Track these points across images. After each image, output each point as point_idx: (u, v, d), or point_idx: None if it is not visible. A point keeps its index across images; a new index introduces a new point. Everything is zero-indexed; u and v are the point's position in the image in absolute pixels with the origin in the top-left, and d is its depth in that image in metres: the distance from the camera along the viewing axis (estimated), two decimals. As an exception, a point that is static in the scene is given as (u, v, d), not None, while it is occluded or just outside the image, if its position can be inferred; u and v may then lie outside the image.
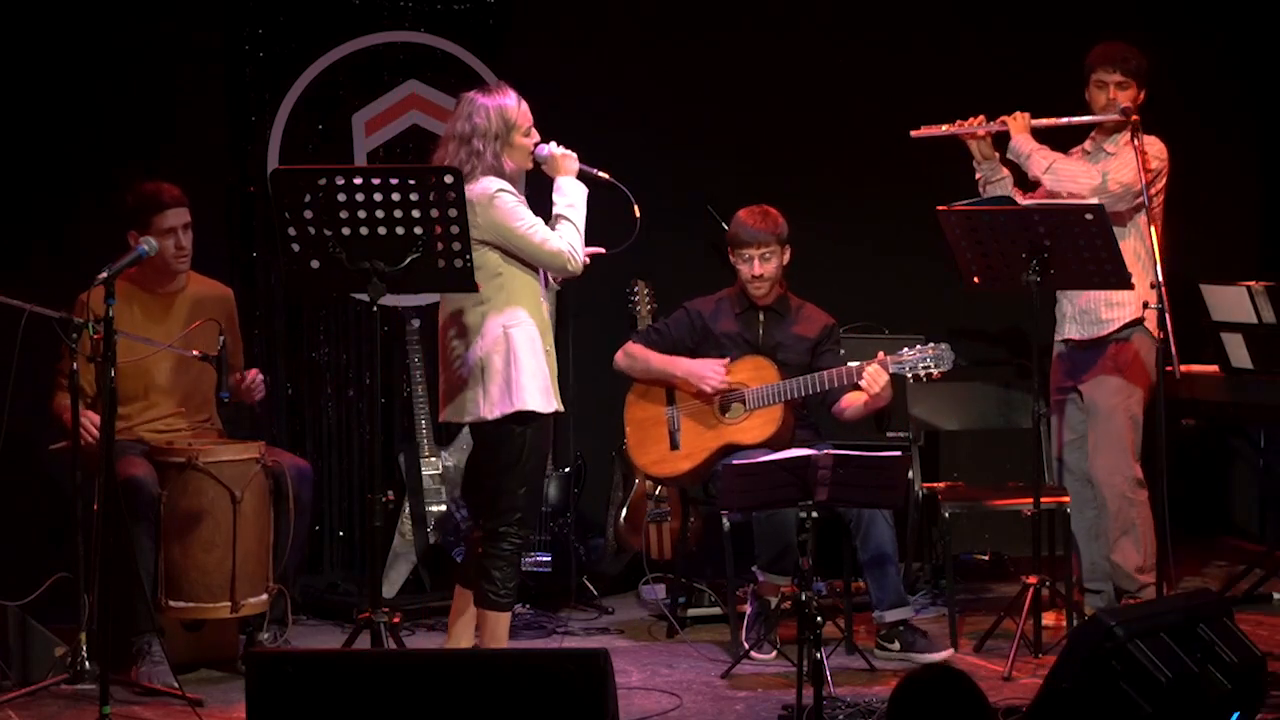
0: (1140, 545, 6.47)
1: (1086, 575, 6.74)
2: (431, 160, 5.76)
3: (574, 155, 5.86)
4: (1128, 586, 6.58)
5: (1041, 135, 6.65)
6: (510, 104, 5.73)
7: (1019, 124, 6.59)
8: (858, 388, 6.38)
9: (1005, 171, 6.64)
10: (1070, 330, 6.68)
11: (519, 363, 5.65)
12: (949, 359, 6.30)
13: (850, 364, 6.46)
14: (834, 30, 8.01)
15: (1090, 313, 6.61)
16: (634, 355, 6.68)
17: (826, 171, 7.91)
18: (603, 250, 5.97)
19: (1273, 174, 8.48)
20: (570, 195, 5.80)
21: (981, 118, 6.62)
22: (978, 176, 6.69)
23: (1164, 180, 6.59)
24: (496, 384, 5.64)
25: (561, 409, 5.82)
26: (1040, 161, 6.52)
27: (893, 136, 7.89)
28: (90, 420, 6.01)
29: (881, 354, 6.35)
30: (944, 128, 6.60)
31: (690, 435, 6.60)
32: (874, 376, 6.30)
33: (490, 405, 5.65)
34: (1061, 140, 6.73)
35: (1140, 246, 6.54)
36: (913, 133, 6.60)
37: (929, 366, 6.30)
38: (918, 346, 6.32)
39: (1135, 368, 6.53)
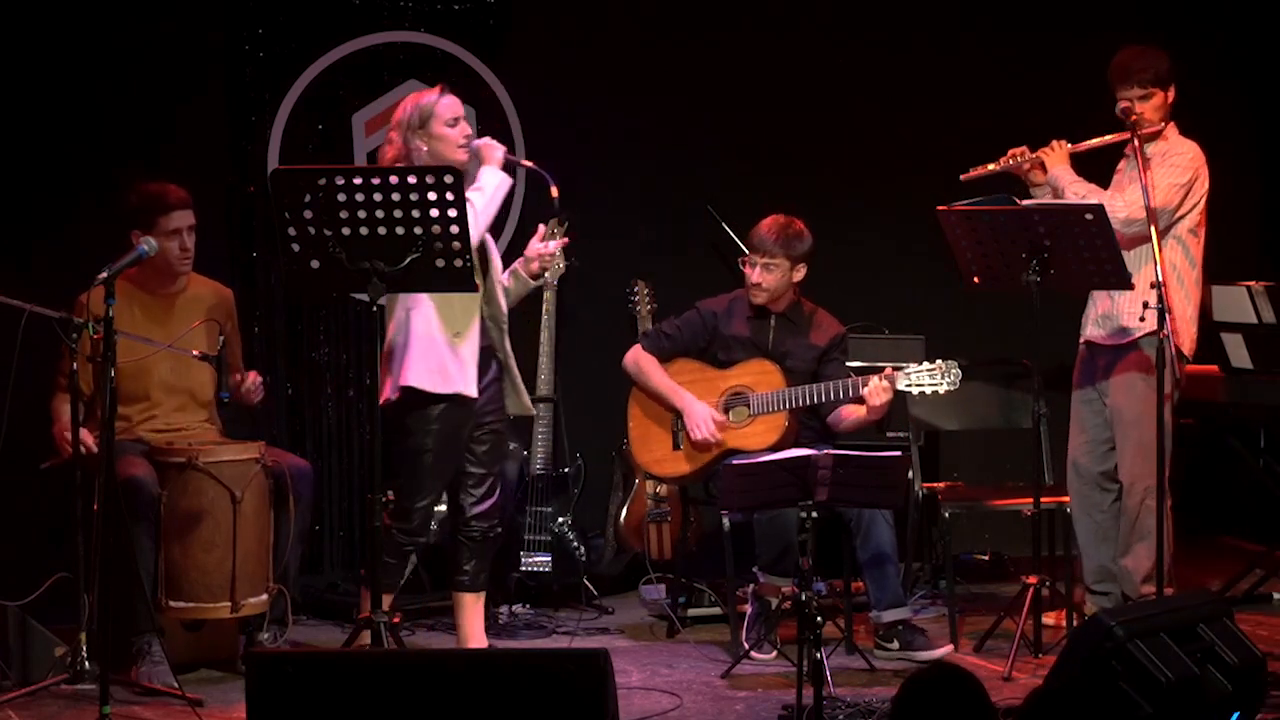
0: (1153, 552, 6.45)
1: (1094, 578, 6.72)
2: (378, 159, 5.94)
3: (499, 146, 5.97)
4: (1133, 593, 6.56)
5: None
6: (431, 97, 5.89)
7: (1056, 155, 6.54)
8: (861, 400, 6.37)
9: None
10: (1091, 331, 6.67)
11: (410, 343, 5.80)
12: (956, 378, 6.28)
13: (853, 372, 6.46)
14: (834, 30, 8.01)
15: (1112, 318, 6.59)
16: (641, 366, 6.66)
17: (826, 171, 7.91)
18: (566, 240, 6.22)
19: (1273, 174, 8.48)
20: (482, 181, 5.92)
21: (1024, 149, 6.59)
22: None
23: (1201, 186, 6.55)
24: (395, 364, 5.83)
25: (468, 393, 5.84)
26: (1072, 196, 6.46)
27: (893, 136, 7.92)
28: (87, 437, 6.00)
29: (889, 369, 6.33)
30: (991, 166, 6.58)
31: (693, 435, 6.61)
32: (878, 392, 6.28)
33: (392, 387, 5.83)
34: (1109, 156, 6.71)
35: (1183, 259, 6.51)
36: (963, 176, 6.57)
37: (936, 385, 6.29)
38: (925, 364, 6.31)
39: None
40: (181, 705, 5.76)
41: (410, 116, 5.85)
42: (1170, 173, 6.46)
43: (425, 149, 5.82)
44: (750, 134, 7.89)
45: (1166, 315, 6.12)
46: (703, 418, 6.53)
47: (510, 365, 6.06)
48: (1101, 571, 6.72)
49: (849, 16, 8.01)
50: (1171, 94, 6.54)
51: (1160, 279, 6.13)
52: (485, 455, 6.05)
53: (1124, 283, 6.27)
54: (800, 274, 6.60)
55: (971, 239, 6.29)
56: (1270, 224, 8.48)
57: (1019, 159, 6.59)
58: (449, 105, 5.89)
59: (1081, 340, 6.72)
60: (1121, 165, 6.70)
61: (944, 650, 6.35)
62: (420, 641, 6.64)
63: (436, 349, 5.80)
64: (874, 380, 6.29)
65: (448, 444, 5.89)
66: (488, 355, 6.01)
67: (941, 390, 6.30)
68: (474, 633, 6.08)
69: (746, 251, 6.75)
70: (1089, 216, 6.13)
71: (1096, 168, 6.64)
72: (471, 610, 6.09)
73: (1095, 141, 6.60)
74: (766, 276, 6.56)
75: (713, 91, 7.84)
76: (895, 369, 6.33)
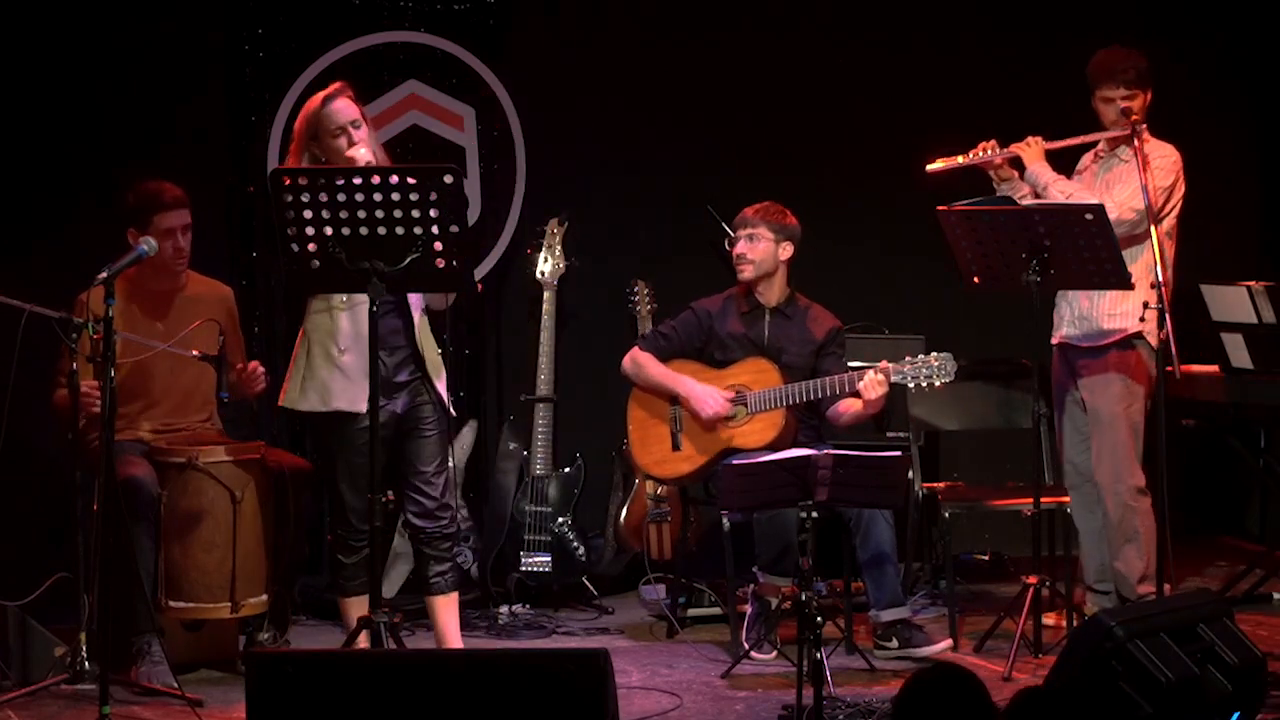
0: (1143, 553, 6.45)
1: (1095, 575, 6.73)
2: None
3: (366, 157, 5.71)
4: (1130, 595, 6.57)
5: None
6: (313, 107, 5.73)
7: (1032, 152, 6.52)
8: (858, 393, 6.37)
9: (1026, 189, 6.58)
10: (1067, 332, 6.67)
11: (293, 361, 5.88)
12: (951, 370, 6.28)
13: (852, 370, 6.46)
14: (834, 30, 8.01)
15: (1089, 320, 6.59)
16: (640, 364, 6.66)
17: (826, 171, 7.91)
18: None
19: (1273, 174, 8.47)
20: None
21: (994, 143, 6.55)
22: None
23: (1181, 189, 6.56)
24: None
25: (352, 409, 5.74)
26: (1057, 194, 6.46)
27: (893, 136, 7.91)
28: (91, 387, 5.94)
29: (884, 362, 6.34)
30: (959, 159, 6.54)
31: (692, 437, 6.60)
32: (873, 385, 6.29)
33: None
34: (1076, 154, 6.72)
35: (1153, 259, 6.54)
36: (928, 168, 6.55)
37: (930, 377, 6.29)
38: (920, 356, 6.31)
39: (1137, 374, 6.51)
40: (181, 705, 5.76)
41: (302, 128, 5.73)
42: (1154, 175, 6.46)
43: (324, 159, 5.71)
44: (750, 134, 7.89)
45: (1166, 316, 6.13)
46: (709, 394, 6.52)
47: (429, 369, 5.92)
48: (1104, 570, 6.72)
49: (849, 16, 8.01)
50: (1149, 95, 6.55)
51: (1160, 279, 6.13)
52: (423, 457, 5.90)
53: (1124, 283, 6.27)
54: (787, 252, 6.60)
55: (971, 239, 6.29)
56: (1270, 224, 8.47)
57: (989, 153, 6.57)
58: (334, 114, 5.70)
59: (1055, 341, 6.70)
60: (1089, 164, 6.69)
61: (943, 645, 6.35)
62: (420, 641, 6.63)
63: (314, 369, 5.79)
64: (869, 374, 6.30)
65: (348, 456, 5.76)
66: (408, 360, 5.90)
67: (937, 382, 6.30)
68: (450, 634, 6.00)
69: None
70: (1089, 216, 6.12)
71: (1062, 166, 6.64)
72: (444, 611, 6.00)
73: (1072, 140, 6.60)
74: (750, 247, 6.57)
75: (713, 91, 7.84)
76: (889, 361, 6.34)
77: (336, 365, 5.78)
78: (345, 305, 5.80)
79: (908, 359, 6.31)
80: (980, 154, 6.56)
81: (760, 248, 6.58)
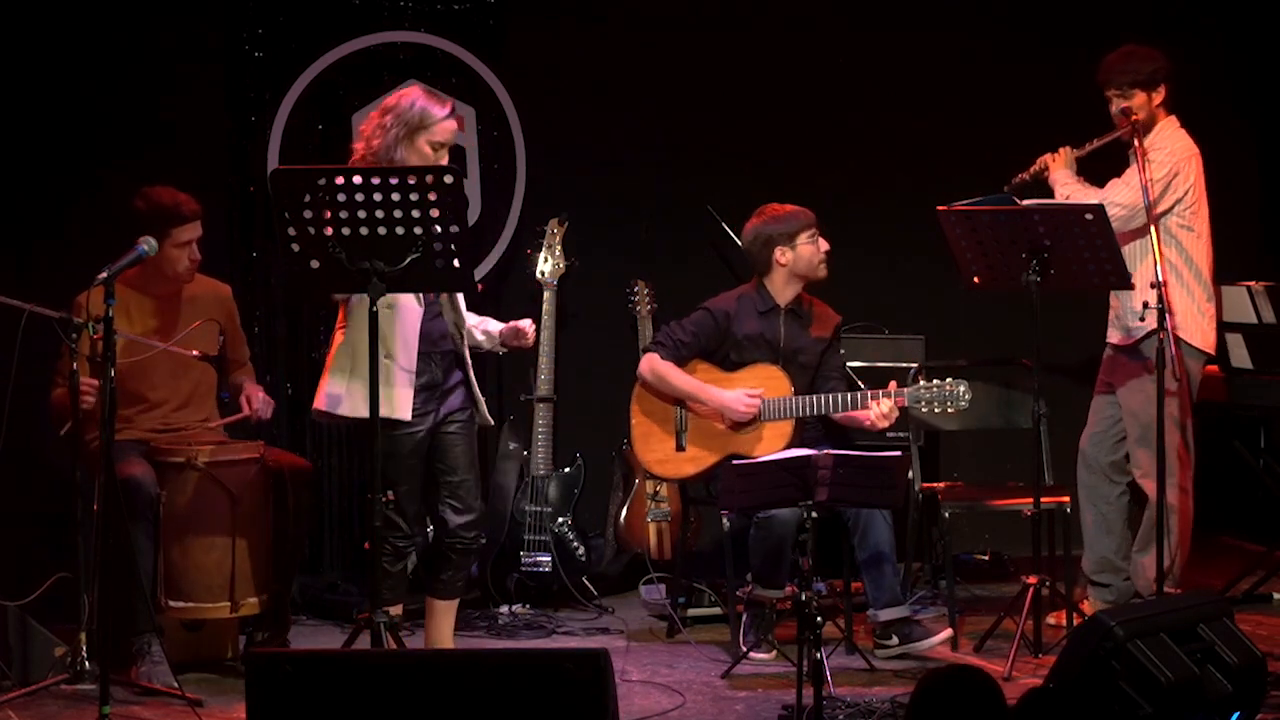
0: (1171, 553, 6.45)
1: (1094, 568, 6.74)
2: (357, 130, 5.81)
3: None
4: (1145, 590, 6.57)
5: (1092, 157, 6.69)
6: (438, 111, 5.69)
7: (1059, 160, 6.65)
8: (867, 404, 6.37)
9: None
10: (1110, 334, 6.73)
11: (330, 365, 5.82)
12: (965, 398, 6.28)
13: (865, 389, 6.46)
14: (834, 31, 8.01)
15: (1121, 318, 6.63)
16: (661, 375, 6.57)
17: (827, 171, 7.90)
18: None
19: (1273, 174, 8.48)
20: None
21: (1048, 156, 6.68)
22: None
23: (1183, 183, 6.56)
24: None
25: (396, 415, 5.73)
26: (1060, 196, 6.57)
27: (892, 137, 7.92)
28: (90, 385, 5.95)
29: (893, 384, 6.33)
30: (1024, 175, 6.68)
31: (697, 438, 6.58)
32: (881, 419, 6.30)
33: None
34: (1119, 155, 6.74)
35: (1177, 256, 6.54)
36: (1005, 187, 6.62)
37: (945, 403, 6.29)
38: (935, 381, 6.31)
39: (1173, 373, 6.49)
40: (181, 705, 5.77)
41: (411, 117, 5.65)
42: (1147, 168, 6.48)
43: (400, 153, 5.66)
44: (750, 134, 7.89)
45: (1167, 315, 6.13)
46: (740, 401, 6.49)
47: (469, 375, 5.94)
48: (1103, 563, 6.74)
49: (849, 17, 8.01)
50: (1160, 94, 6.57)
51: (1160, 278, 6.14)
52: (463, 463, 5.90)
53: (1124, 282, 6.28)
54: None
55: (971, 239, 6.29)
56: (1270, 224, 8.47)
57: (1040, 168, 6.69)
58: (447, 129, 5.70)
59: (1107, 340, 6.77)
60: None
61: (943, 635, 6.35)
62: (420, 641, 6.63)
63: (361, 373, 5.71)
64: (881, 404, 6.29)
65: (397, 462, 5.76)
66: (455, 363, 5.90)
67: (950, 409, 6.30)
68: (442, 638, 6.00)
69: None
70: (1089, 216, 6.14)
71: (1108, 166, 6.65)
72: (443, 617, 5.99)
73: (1095, 143, 6.64)
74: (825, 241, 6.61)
75: (713, 91, 7.84)
76: (902, 386, 6.33)
77: (388, 371, 5.73)
78: (390, 308, 5.72)
79: (922, 383, 6.32)
80: (1036, 168, 6.68)
81: None
